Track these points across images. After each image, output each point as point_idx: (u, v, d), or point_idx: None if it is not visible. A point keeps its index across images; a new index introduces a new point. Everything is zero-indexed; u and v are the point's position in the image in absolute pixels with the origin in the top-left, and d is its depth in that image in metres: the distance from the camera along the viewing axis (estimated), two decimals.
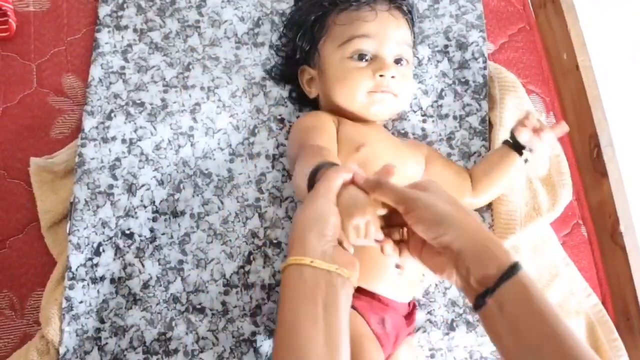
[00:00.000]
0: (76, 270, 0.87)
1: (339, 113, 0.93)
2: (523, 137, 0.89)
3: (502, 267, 0.57)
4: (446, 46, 1.09)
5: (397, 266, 0.68)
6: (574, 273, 1.01)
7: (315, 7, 0.95)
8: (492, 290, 0.57)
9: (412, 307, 0.89)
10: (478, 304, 0.58)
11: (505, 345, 0.57)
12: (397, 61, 0.92)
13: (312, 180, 0.68)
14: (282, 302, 0.59)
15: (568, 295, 0.99)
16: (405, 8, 0.95)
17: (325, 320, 0.57)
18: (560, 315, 0.56)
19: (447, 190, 0.66)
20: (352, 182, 0.65)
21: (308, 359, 0.55)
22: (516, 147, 0.91)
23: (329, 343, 0.56)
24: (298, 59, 0.98)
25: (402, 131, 1.03)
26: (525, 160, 0.92)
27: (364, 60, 0.90)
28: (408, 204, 0.62)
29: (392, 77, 0.89)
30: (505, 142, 0.94)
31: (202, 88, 0.99)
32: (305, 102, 1.01)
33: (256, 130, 0.99)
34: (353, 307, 0.75)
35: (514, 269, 0.57)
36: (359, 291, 0.80)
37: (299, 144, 0.85)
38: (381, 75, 0.88)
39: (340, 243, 0.63)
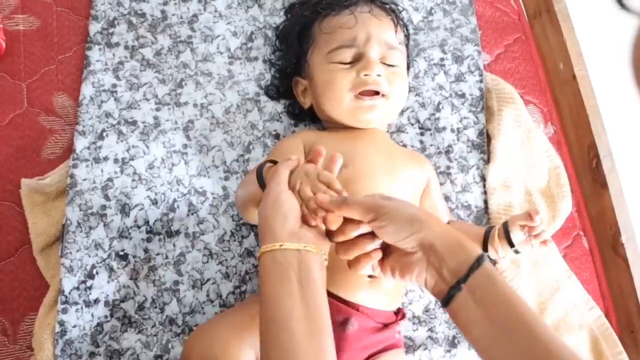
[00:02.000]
0: (69, 293, 0.85)
1: (331, 122, 0.92)
2: (516, 237, 0.81)
3: (472, 256, 0.61)
4: (442, 59, 1.09)
5: (371, 277, 0.71)
6: (576, 286, 1.00)
7: (299, 18, 0.96)
8: (466, 278, 0.60)
9: (400, 317, 0.86)
10: (451, 294, 0.61)
11: (479, 333, 0.59)
12: (384, 62, 0.90)
13: (262, 181, 0.75)
14: (261, 287, 0.63)
15: (571, 308, 0.98)
16: (388, 7, 0.95)
17: (302, 294, 0.61)
18: (526, 303, 0.59)
19: None
20: (318, 204, 0.66)
21: (291, 329, 0.59)
22: (507, 237, 0.82)
23: (308, 314, 0.60)
24: (290, 72, 0.98)
25: (400, 144, 1.01)
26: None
27: (347, 62, 0.89)
28: (377, 211, 0.64)
29: (378, 75, 0.87)
30: (498, 227, 0.85)
31: (195, 105, 0.98)
32: (302, 116, 1.00)
33: (251, 147, 0.97)
34: None
35: (481, 258, 0.61)
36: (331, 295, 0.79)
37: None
38: (366, 75, 0.86)
39: (306, 222, 0.66)
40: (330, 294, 0.76)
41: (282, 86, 1.00)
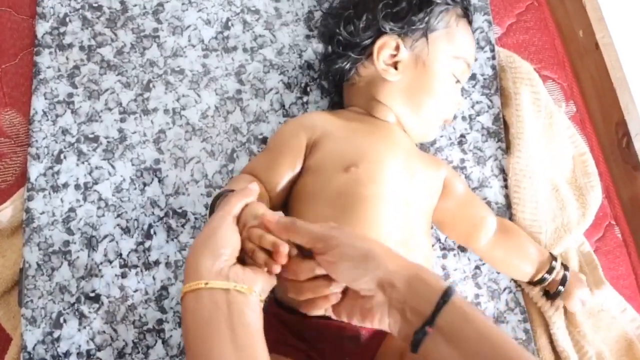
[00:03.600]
0: (33, 349, 0.73)
1: (369, 108, 0.82)
2: (573, 306, 0.83)
3: (437, 292, 0.55)
4: None
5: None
6: (606, 289, 0.89)
7: None
8: (432, 318, 0.54)
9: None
10: (417, 338, 0.54)
11: None
12: None
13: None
14: (185, 334, 0.56)
15: (598, 311, 0.88)
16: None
17: (235, 342, 0.54)
18: (507, 336, 0.54)
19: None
20: (264, 225, 0.60)
21: None
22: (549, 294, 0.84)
23: None
24: (380, 29, 0.80)
25: None
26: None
27: (457, 82, 0.83)
28: (326, 241, 0.58)
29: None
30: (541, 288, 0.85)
31: (166, 111, 0.85)
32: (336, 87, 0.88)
33: (235, 155, 0.85)
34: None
35: (448, 293, 0.55)
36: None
37: (263, 151, 0.81)
38: (458, 107, 0.86)
39: (246, 261, 0.60)
40: (330, 319, 0.66)
41: (361, 35, 0.81)
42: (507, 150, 0.92)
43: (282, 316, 0.71)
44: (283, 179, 0.75)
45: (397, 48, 0.79)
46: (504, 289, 0.86)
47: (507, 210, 0.89)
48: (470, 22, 0.86)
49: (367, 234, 0.69)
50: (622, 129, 0.96)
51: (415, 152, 0.82)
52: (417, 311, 0.55)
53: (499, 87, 0.95)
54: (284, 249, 0.58)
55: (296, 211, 0.74)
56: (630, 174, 0.96)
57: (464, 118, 0.92)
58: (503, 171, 0.91)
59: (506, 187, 0.90)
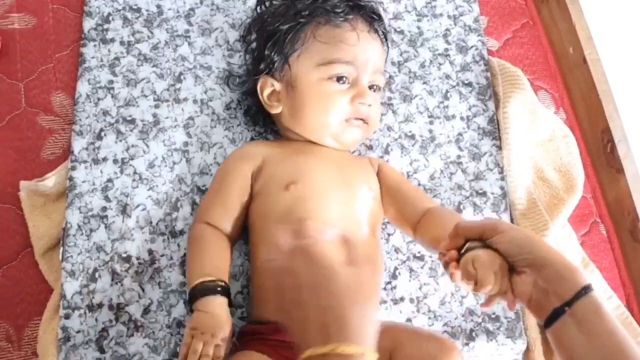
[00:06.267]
0: (71, 298, 0.82)
1: (293, 135, 0.89)
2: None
3: (578, 285, 0.62)
4: (446, 49, 1.07)
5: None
6: (594, 274, 0.97)
7: (290, 16, 0.87)
8: (571, 302, 0.61)
9: None
10: (554, 315, 0.62)
11: (580, 358, 0.60)
12: (371, 87, 0.87)
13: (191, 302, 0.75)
14: None
15: None
16: (381, 32, 0.91)
17: None
18: (632, 341, 0.59)
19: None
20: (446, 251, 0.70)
21: None
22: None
23: None
24: (260, 69, 0.89)
25: (409, 133, 0.99)
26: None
27: (343, 83, 0.84)
28: (497, 226, 0.68)
29: (369, 105, 0.85)
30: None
31: (195, 101, 0.95)
32: (257, 118, 0.95)
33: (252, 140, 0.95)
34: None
35: (588, 287, 0.62)
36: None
37: (212, 185, 0.87)
38: (360, 102, 0.84)
39: None
40: None
41: (247, 82, 0.93)
42: (500, 147, 1.00)
43: (258, 330, 0.77)
44: (236, 212, 0.82)
45: (272, 84, 0.87)
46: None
47: (502, 199, 0.97)
48: (343, 14, 0.86)
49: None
50: (607, 136, 1.04)
51: (346, 159, 0.89)
52: (558, 294, 0.62)
53: (492, 94, 1.04)
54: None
55: (255, 233, 0.82)
56: (614, 176, 1.03)
57: (462, 118, 1.01)
58: (498, 165, 0.99)
59: (502, 179, 0.98)
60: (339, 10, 0.85)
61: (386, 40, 0.93)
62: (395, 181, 0.89)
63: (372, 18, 0.89)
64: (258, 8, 0.96)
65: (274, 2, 0.94)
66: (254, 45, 0.93)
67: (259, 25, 0.92)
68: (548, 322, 0.63)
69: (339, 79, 0.84)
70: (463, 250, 0.69)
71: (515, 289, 0.66)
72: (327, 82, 0.84)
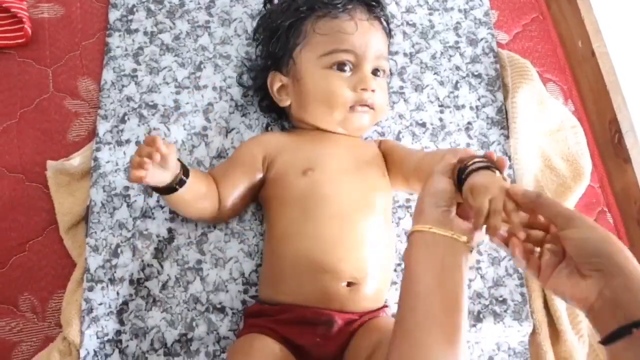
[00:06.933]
0: (95, 272, 0.86)
1: (305, 125, 0.92)
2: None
3: None
4: (457, 42, 1.10)
5: (350, 284, 0.76)
6: None
7: (290, 12, 0.91)
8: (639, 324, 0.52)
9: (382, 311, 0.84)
10: (618, 333, 0.54)
11: None
12: (375, 72, 0.89)
13: None
14: (407, 259, 0.66)
15: None
16: (382, 16, 0.94)
17: (444, 276, 0.63)
18: None
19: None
20: (508, 194, 0.64)
21: (425, 305, 0.61)
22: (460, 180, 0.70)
23: (447, 295, 0.62)
24: (269, 65, 0.94)
25: (420, 121, 1.02)
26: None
27: (345, 70, 0.87)
28: (570, 220, 0.60)
29: (373, 90, 0.87)
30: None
31: (214, 88, 0.99)
32: (271, 110, 0.98)
33: (270, 129, 0.99)
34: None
35: None
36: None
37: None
38: (363, 89, 0.87)
39: (462, 216, 0.67)
40: (308, 308, 0.78)
41: (259, 78, 0.96)
42: (508, 136, 1.03)
43: (265, 310, 0.81)
44: (235, 187, 0.86)
45: (280, 79, 0.91)
46: (504, 257, 0.96)
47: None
48: (341, 5, 0.88)
49: (334, 226, 0.80)
50: (615, 127, 1.06)
51: (358, 145, 0.92)
52: (627, 310, 0.53)
53: (502, 84, 1.07)
54: (521, 235, 0.63)
55: (269, 215, 0.86)
56: (622, 166, 1.05)
57: (471, 108, 1.04)
58: (506, 154, 1.01)
59: (509, 167, 1.00)
60: (337, 2, 0.88)
61: (388, 25, 0.96)
62: (393, 144, 0.94)
63: (371, 5, 0.91)
64: (265, 7, 1.02)
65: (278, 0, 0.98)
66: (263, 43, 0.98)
67: (265, 24, 0.97)
68: (609, 339, 0.54)
69: (340, 67, 0.87)
70: (464, 175, 0.67)
71: (574, 294, 0.58)
72: (329, 72, 0.87)
